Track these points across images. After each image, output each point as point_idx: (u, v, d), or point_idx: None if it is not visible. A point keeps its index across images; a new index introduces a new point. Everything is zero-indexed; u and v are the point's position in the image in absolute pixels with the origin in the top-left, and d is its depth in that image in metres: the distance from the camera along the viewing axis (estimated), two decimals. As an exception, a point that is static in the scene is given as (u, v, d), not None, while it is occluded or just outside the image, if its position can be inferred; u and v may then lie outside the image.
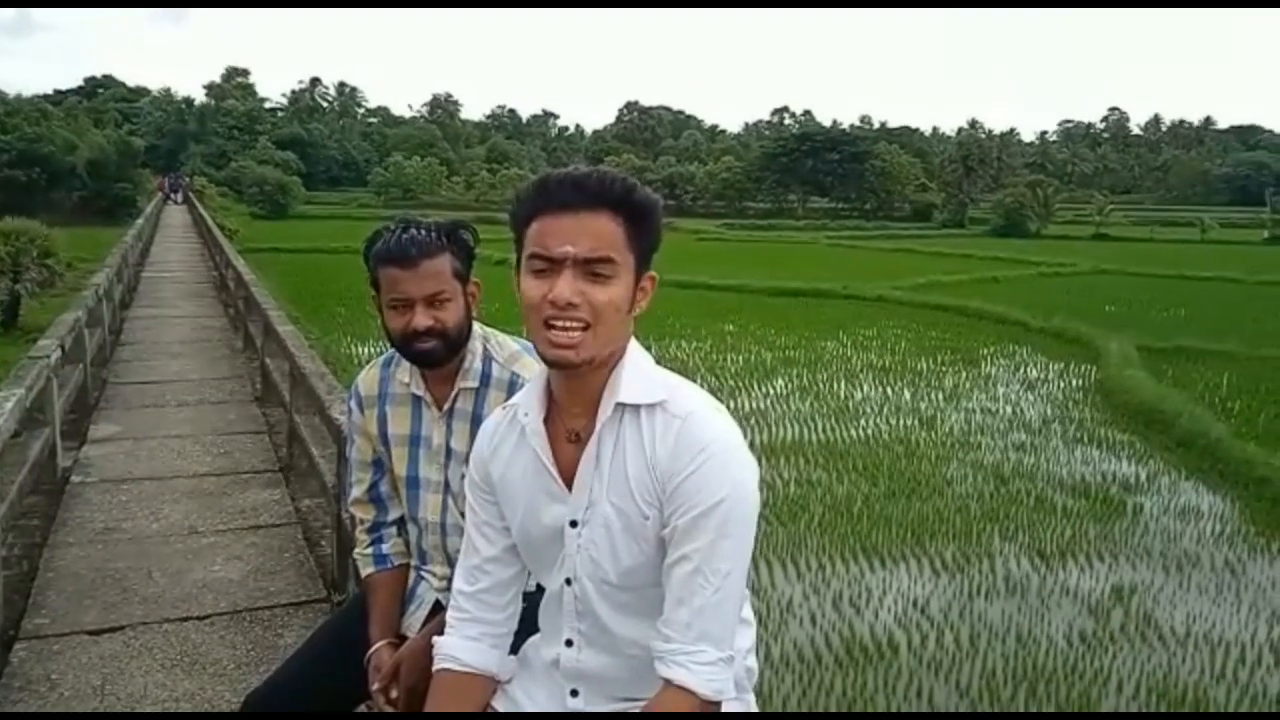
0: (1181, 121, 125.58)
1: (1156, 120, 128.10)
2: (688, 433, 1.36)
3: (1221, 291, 21.89)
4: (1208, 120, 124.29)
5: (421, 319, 1.84)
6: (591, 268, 1.33)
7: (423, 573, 2.05)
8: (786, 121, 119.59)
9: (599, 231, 1.33)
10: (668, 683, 1.35)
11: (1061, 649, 4.80)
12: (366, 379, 2.08)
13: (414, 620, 2.00)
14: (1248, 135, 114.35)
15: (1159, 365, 11.89)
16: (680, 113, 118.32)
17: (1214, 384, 11.06)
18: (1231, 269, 26.52)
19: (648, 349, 1.46)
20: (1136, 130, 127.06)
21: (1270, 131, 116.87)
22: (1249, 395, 10.44)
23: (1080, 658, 4.72)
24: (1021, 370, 12.26)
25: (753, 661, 1.54)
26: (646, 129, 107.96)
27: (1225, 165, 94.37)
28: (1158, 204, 78.37)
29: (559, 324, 1.33)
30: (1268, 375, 11.52)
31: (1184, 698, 4.38)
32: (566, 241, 1.32)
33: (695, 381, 1.46)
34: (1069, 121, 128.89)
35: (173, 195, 46.51)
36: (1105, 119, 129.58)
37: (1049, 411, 9.94)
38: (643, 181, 1.40)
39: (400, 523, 2.08)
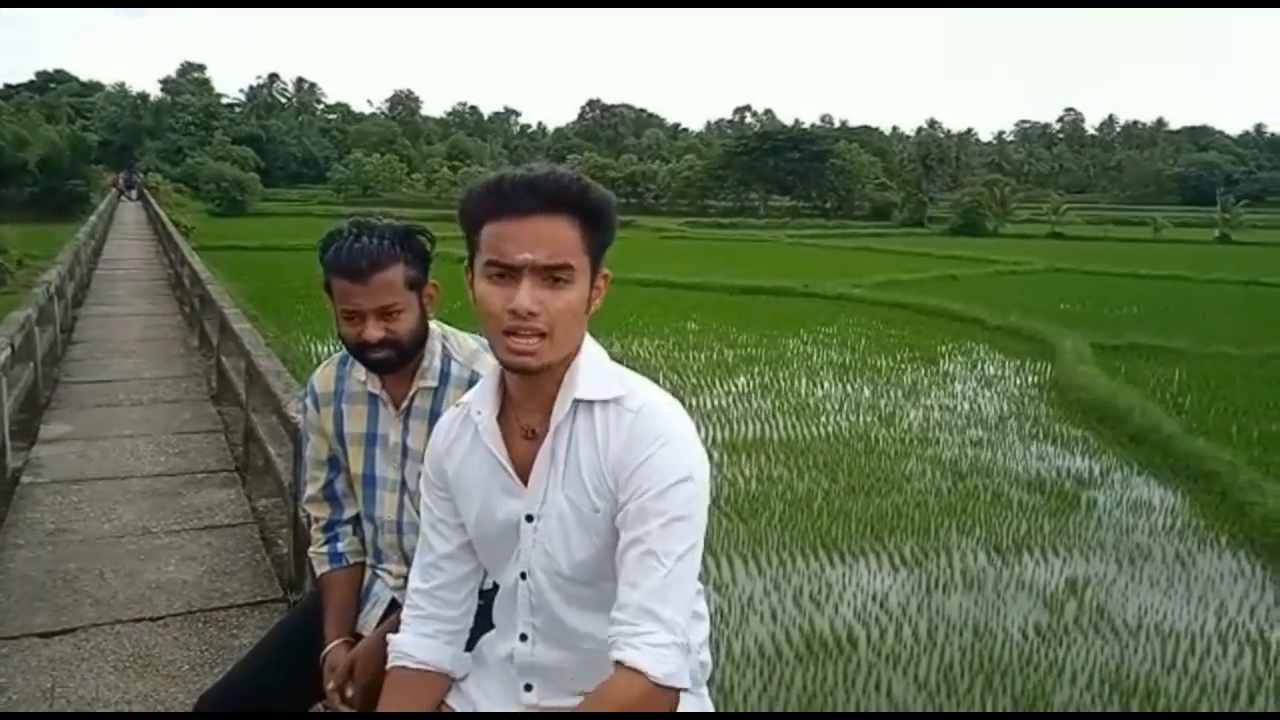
0: (1135, 122, 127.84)
1: (1111, 121, 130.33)
2: (642, 423, 1.37)
3: (1173, 289, 22.26)
4: (1160, 121, 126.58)
5: (373, 331, 1.82)
6: (550, 274, 1.32)
7: (378, 571, 2.03)
8: (748, 120, 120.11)
9: (556, 237, 1.32)
10: (619, 665, 1.30)
11: (1017, 641, 4.87)
12: (322, 376, 2.06)
13: (369, 619, 1.99)
14: (1199, 136, 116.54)
15: (1112, 362, 12.07)
16: (642, 111, 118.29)
17: (1165, 380, 11.25)
18: (1183, 267, 26.97)
19: (610, 346, 1.47)
20: (1091, 131, 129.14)
21: (1220, 133, 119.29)
22: (1199, 391, 10.64)
23: (1035, 650, 4.79)
24: (979, 367, 12.40)
25: (706, 656, 1.55)
26: (609, 127, 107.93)
27: (1177, 165, 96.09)
28: (1112, 203, 79.67)
29: (520, 332, 1.33)
30: (1217, 371, 11.75)
31: (1136, 688, 4.46)
32: (525, 249, 1.31)
33: (657, 379, 1.47)
34: (1025, 122, 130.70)
35: (127, 192, 45.78)
36: (1061, 119, 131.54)
37: (1005, 408, 10.07)
38: (605, 180, 1.39)
39: (356, 521, 2.07)
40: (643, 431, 1.37)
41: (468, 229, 1.38)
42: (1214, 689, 4.50)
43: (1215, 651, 4.85)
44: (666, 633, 1.31)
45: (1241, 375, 11.58)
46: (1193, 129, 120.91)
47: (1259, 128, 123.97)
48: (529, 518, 1.44)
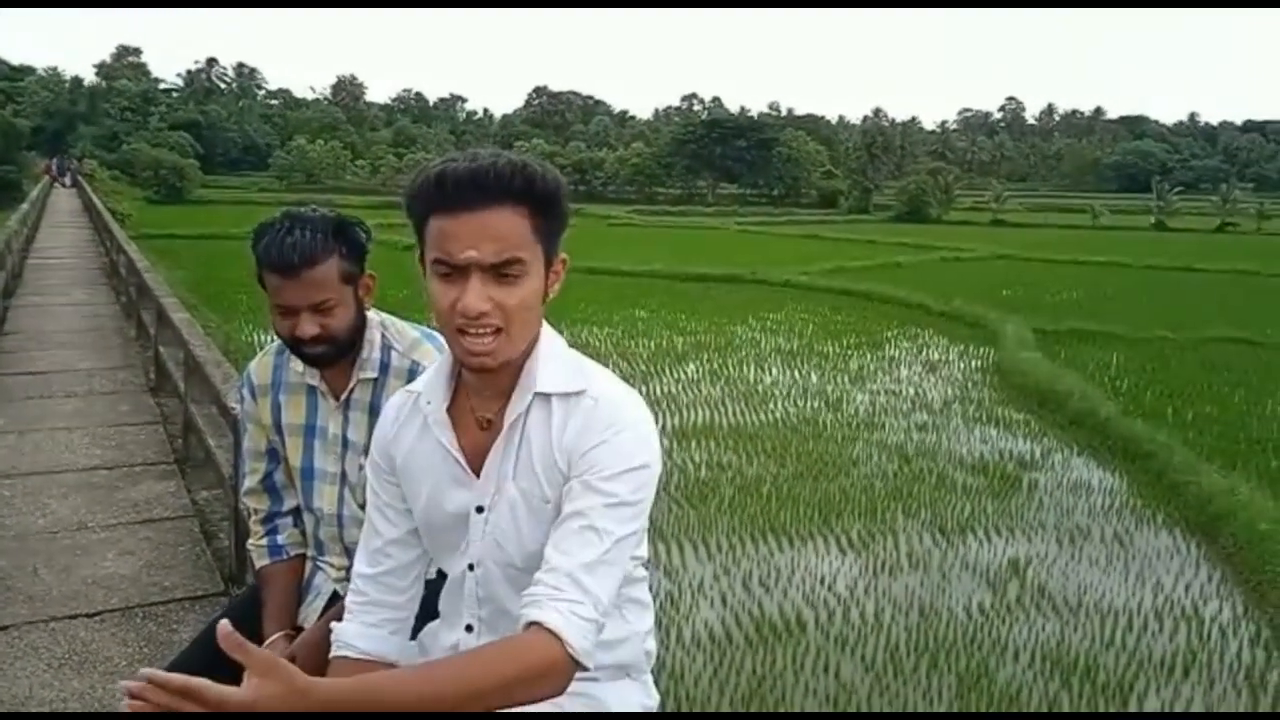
0: (1074, 111, 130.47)
1: (1050, 110, 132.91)
2: (600, 411, 1.35)
3: (1111, 275, 22.73)
4: (1098, 110, 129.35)
5: (307, 327, 1.78)
6: (499, 270, 1.28)
7: (320, 563, 2.00)
8: (696, 108, 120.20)
9: (503, 231, 1.27)
10: (536, 626, 1.21)
11: (961, 621, 4.94)
12: (259, 366, 2.02)
13: (311, 611, 1.96)
14: (1135, 125, 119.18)
15: (1053, 347, 12.29)
16: (590, 98, 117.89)
17: (1104, 364, 11.48)
18: (1120, 254, 27.52)
19: (559, 334, 1.44)
20: (1031, 120, 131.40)
21: (1156, 122, 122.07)
22: (1136, 374, 10.88)
23: (979, 629, 4.86)
24: (923, 353, 12.56)
25: (652, 645, 1.54)
26: (556, 114, 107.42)
27: (1115, 154, 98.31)
28: (1052, 191, 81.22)
29: (472, 331, 1.29)
30: (1153, 355, 12.03)
31: (1076, 664, 4.55)
32: (470, 246, 1.26)
33: (607, 367, 1.44)
34: (968, 110, 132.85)
35: (61, 179, 44.58)
36: (1002, 108, 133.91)
37: (950, 392, 10.21)
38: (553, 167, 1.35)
39: (296, 512, 2.03)
40: (599, 418, 1.34)
41: (414, 222, 1.33)
42: (1151, 664, 4.61)
43: (1152, 627, 4.97)
44: (591, 608, 1.25)
45: (1177, 359, 11.87)
46: (1129, 118, 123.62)
47: (1192, 116, 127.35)
48: (479, 509, 1.41)
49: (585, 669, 1.23)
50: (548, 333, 1.40)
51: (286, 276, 1.76)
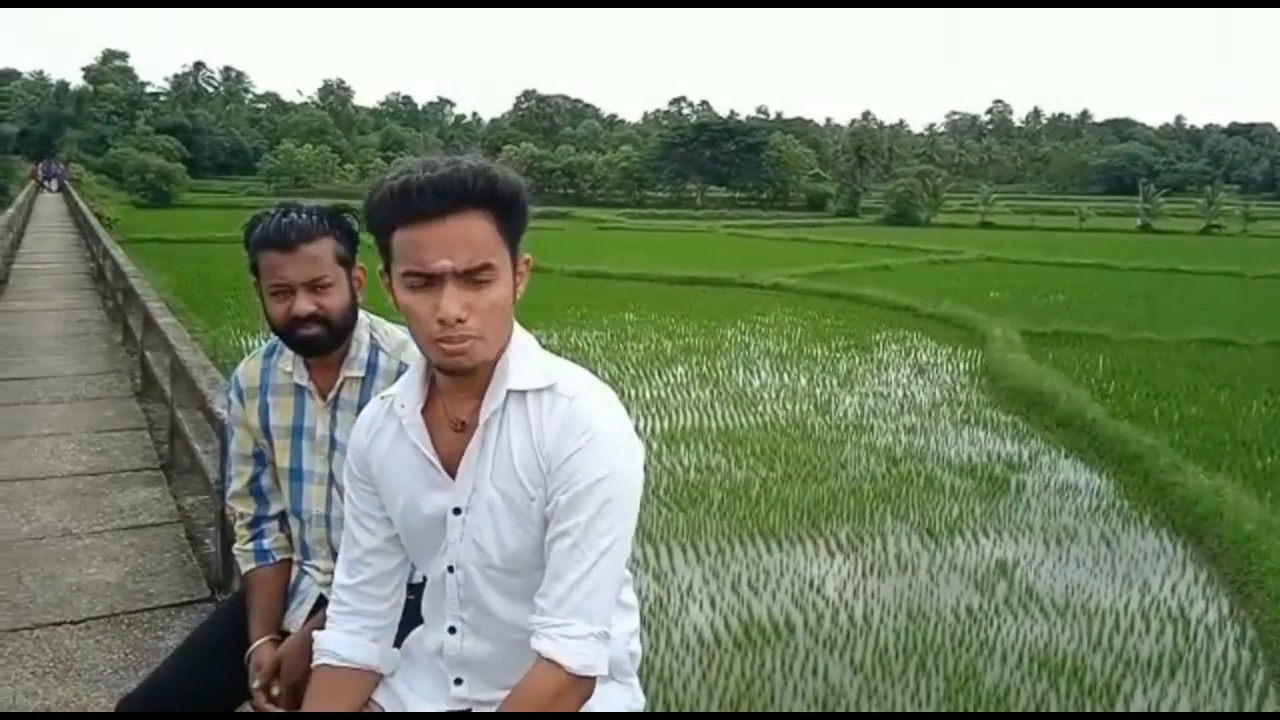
0: (1060, 114, 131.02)
1: (1037, 113, 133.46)
2: (574, 412, 1.35)
3: (1098, 278, 22.81)
4: (1085, 113, 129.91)
5: (303, 304, 1.79)
6: (472, 276, 1.29)
7: (306, 567, 1.99)
8: (684, 111, 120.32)
9: (472, 238, 1.29)
10: (539, 656, 1.34)
11: (950, 623, 4.95)
12: (247, 370, 2.02)
13: (297, 616, 1.95)
14: (1122, 128, 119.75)
15: (1040, 349, 12.33)
16: (578, 101, 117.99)
17: (1090, 366, 11.53)
18: (1107, 256, 27.62)
19: (549, 338, 1.46)
20: (1019, 123, 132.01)
21: (1142, 124, 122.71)
22: (1122, 376, 10.93)
23: (967, 630, 4.88)
24: (912, 355, 12.58)
25: (636, 646, 1.55)
26: (545, 118, 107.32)
27: (1101, 156, 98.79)
28: (1039, 194, 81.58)
29: (450, 339, 1.30)
30: (1139, 357, 12.08)
31: (1064, 666, 4.57)
32: (442, 255, 1.28)
33: (596, 371, 1.46)
34: (955, 113, 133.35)
35: (47, 183, 44.38)
36: (990, 111, 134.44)
37: (938, 394, 10.23)
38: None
39: (282, 517, 2.03)
40: (574, 420, 1.35)
41: (376, 234, 1.35)
42: (1138, 665, 4.63)
43: (1139, 628, 4.98)
44: (585, 624, 1.33)
45: (1162, 360, 11.91)
46: (1116, 121, 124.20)
47: (1178, 119, 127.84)
48: (456, 510, 1.42)
49: (601, 674, 1.36)
50: (519, 332, 1.42)
51: (284, 251, 1.78)
